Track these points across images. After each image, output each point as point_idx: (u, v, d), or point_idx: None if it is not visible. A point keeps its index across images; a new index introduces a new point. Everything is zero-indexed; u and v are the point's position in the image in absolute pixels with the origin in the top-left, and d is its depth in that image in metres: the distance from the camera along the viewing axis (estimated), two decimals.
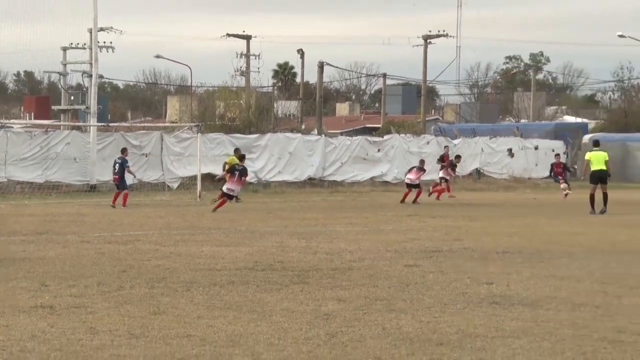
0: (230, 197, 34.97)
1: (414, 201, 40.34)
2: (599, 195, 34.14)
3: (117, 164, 38.85)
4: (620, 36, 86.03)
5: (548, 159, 64.11)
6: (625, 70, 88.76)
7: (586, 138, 67.26)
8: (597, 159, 34.76)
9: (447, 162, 46.06)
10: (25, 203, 39.95)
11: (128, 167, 39.31)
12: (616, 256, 21.12)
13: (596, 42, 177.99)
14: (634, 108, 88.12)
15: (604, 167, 34.58)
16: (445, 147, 52.57)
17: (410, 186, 41.20)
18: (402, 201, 40.38)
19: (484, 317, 13.55)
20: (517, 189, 55.74)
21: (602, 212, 33.56)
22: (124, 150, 40.50)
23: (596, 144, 36.56)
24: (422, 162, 43.59)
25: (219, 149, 52.12)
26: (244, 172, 35.29)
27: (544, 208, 38.87)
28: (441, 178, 45.07)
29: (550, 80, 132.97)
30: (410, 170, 42.25)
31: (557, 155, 51.93)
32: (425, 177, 43.53)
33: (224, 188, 34.80)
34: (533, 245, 23.32)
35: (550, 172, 48.49)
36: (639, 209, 34.49)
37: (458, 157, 48.41)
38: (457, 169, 47.89)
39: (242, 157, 38.52)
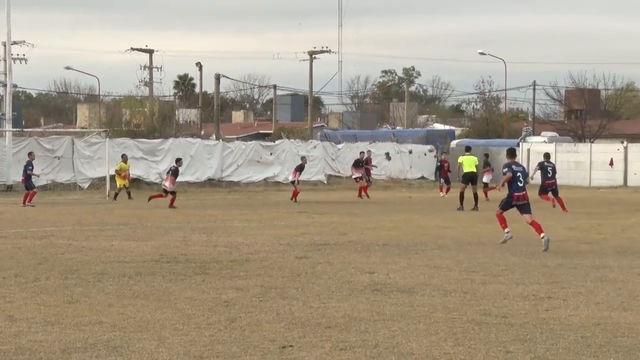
0: (166, 192, 37.73)
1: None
2: (469, 194, 34.69)
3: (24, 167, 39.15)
4: (481, 53, 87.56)
5: (421, 162, 64.92)
6: (486, 83, 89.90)
7: (454, 143, 68.13)
8: (468, 162, 35.48)
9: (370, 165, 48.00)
10: None
11: (30, 169, 38.94)
12: (481, 247, 21.40)
13: (460, 59, 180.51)
14: (493, 117, 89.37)
15: (474, 170, 35.23)
16: (362, 152, 51.55)
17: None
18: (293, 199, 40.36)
19: (366, 303, 13.62)
20: (395, 189, 56.12)
21: (474, 209, 34.02)
22: (30, 154, 40.17)
23: (468, 149, 37.13)
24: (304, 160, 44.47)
25: (126, 152, 51.68)
26: (175, 172, 38.42)
27: (418, 205, 39.21)
28: (356, 177, 46.82)
29: (421, 92, 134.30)
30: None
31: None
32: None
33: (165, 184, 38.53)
34: (409, 238, 23.50)
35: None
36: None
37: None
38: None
39: (178, 160, 40.87)
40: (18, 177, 43.83)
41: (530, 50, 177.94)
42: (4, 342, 10.85)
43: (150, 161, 52.69)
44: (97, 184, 49.04)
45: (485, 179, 45.76)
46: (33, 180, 38.96)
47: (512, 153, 23.77)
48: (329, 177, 59.19)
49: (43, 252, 20.23)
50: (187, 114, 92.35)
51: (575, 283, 15.74)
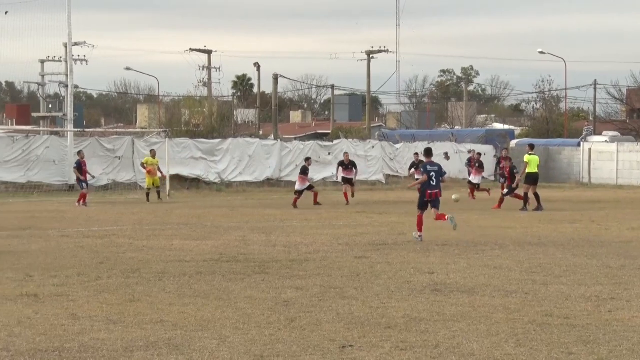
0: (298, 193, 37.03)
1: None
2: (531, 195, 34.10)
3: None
4: (541, 52, 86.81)
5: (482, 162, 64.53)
6: (545, 82, 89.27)
7: (513, 143, 67.66)
8: (535, 162, 34.62)
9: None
10: (9, 201, 39.65)
11: (75, 168, 39.15)
12: (542, 248, 21.23)
13: (520, 58, 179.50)
14: (554, 117, 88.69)
15: (537, 170, 34.57)
16: (415, 154, 48.94)
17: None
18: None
19: (426, 303, 13.59)
20: (453, 189, 55.81)
21: (537, 209, 33.48)
22: (79, 153, 40.21)
23: (532, 147, 35.99)
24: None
25: (185, 153, 52.09)
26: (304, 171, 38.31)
27: (477, 205, 39.01)
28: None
29: (480, 92, 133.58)
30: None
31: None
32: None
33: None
34: (468, 239, 23.41)
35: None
36: (560, 206, 34.67)
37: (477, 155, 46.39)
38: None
39: (307, 160, 40.66)
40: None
41: (591, 49, 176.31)
42: (68, 340, 10.97)
43: (210, 161, 52.97)
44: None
45: (474, 178, 44.62)
46: (89, 180, 39.14)
47: (428, 153, 25.20)
48: (387, 176, 59.13)
49: (105, 251, 20.44)
50: (246, 114, 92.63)
51: (639, 284, 15.59)
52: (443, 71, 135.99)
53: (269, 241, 22.59)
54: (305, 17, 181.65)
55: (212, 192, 48.56)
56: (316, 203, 37.78)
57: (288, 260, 18.71)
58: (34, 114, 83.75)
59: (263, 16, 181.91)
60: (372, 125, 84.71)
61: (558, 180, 61.55)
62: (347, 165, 40.59)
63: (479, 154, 48.22)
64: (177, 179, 48.73)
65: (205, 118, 72.57)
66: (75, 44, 57.82)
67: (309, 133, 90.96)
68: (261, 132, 79.16)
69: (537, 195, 34.13)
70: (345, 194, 39.22)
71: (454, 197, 29.81)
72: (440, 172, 24.05)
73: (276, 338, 11.10)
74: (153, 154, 42.31)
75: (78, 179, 38.78)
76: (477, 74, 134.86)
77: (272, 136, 69.19)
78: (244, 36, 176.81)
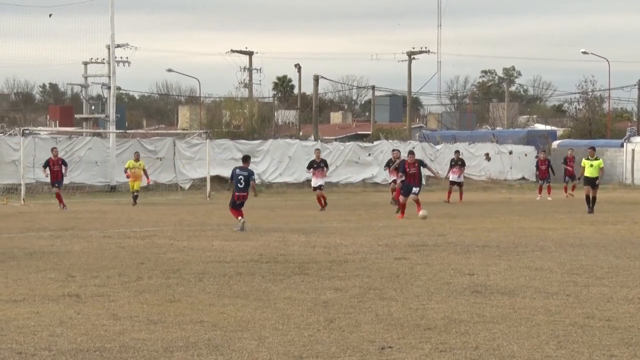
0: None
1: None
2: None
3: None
4: (584, 53, 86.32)
5: (521, 162, 64.38)
6: (589, 83, 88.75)
7: (555, 144, 67.39)
8: (591, 166, 33.97)
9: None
10: (52, 202, 39.92)
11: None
12: (583, 249, 21.11)
13: (562, 58, 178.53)
14: (596, 117, 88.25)
15: (596, 174, 33.90)
16: (394, 150, 47.15)
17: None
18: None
19: (466, 305, 13.56)
20: (494, 190, 55.80)
21: (590, 212, 33.09)
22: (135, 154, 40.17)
23: (593, 150, 35.03)
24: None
25: (226, 154, 52.36)
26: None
27: (519, 206, 38.91)
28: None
29: (522, 92, 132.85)
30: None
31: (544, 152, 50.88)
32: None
33: None
34: (509, 240, 23.32)
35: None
36: (602, 207, 34.47)
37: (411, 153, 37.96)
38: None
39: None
40: (121, 178, 44.60)
41: (636, 49, 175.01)
42: (109, 339, 11.04)
43: (250, 162, 53.08)
44: (198, 184, 49.71)
45: (454, 177, 44.35)
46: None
47: (245, 159, 27.90)
48: (427, 177, 58.98)
49: (145, 251, 20.55)
50: (286, 115, 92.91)
51: None
52: (484, 71, 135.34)
53: (308, 242, 22.62)
54: (346, 18, 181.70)
55: (251, 193, 48.61)
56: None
57: (327, 261, 18.73)
58: (77, 116, 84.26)
59: (303, 17, 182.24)
60: (412, 126, 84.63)
61: (600, 181, 61.13)
62: (319, 164, 37.97)
63: (458, 152, 47.88)
64: (218, 180, 48.91)
65: (246, 119, 72.82)
66: (118, 45, 58.10)
67: (349, 134, 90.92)
68: (301, 133, 79.27)
69: (588, 199, 33.60)
70: (319, 199, 36.87)
71: (420, 214, 29.72)
72: (248, 178, 26.76)
73: (315, 339, 11.12)
74: (137, 156, 41.40)
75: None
76: (519, 74, 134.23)
77: (313, 137, 69.30)
78: (285, 37, 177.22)
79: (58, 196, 35.86)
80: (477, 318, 12.49)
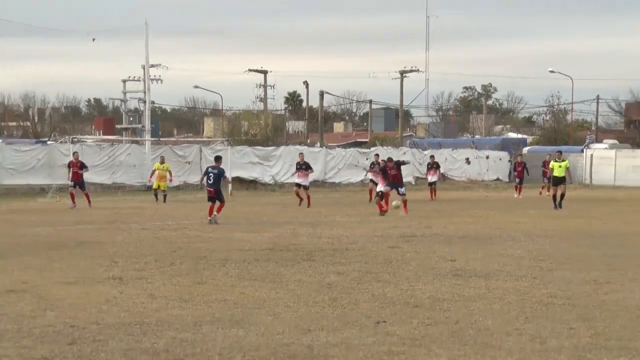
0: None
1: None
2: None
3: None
4: (551, 71, 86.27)
5: (497, 166, 64.32)
6: (554, 97, 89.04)
7: (525, 150, 67.33)
8: (559, 168, 33.50)
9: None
10: (98, 199, 39.98)
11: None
12: (548, 240, 21.14)
13: (532, 76, 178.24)
14: (561, 127, 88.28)
15: (564, 174, 33.37)
16: (375, 155, 45.31)
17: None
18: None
19: (448, 286, 13.63)
20: (473, 189, 55.74)
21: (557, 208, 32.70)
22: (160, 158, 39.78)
23: (559, 154, 34.82)
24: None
25: (244, 158, 52.40)
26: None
27: (494, 203, 38.90)
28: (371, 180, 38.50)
29: (497, 105, 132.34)
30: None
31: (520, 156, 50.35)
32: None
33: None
34: (485, 232, 23.36)
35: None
36: (565, 204, 34.37)
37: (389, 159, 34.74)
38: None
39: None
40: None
41: (595, 69, 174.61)
42: (147, 315, 11.15)
43: (265, 165, 53.22)
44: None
45: (431, 178, 43.76)
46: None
47: (217, 159, 27.57)
48: (417, 178, 59.02)
49: (177, 241, 20.60)
50: (296, 125, 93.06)
51: (632, 270, 15.52)
52: (465, 88, 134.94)
53: (315, 233, 22.65)
54: (348, 42, 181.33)
55: (267, 192, 48.79)
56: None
57: (331, 249, 18.77)
58: (118, 126, 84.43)
59: (311, 41, 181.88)
60: (404, 135, 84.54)
61: (569, 179, 61.09)
62: (302, 165, 37.11)
63: (432, 156, 47.51)
64: (238, 181, 48.96)
65: (261, 129, 72.97)
66: (152, 65, 58.22)
67: (349, 141, 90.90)
68: (309, 141, 79.28)
69: (555, 197, 33.42)
70: (308, 197, 35.65)
71: (394, 203, 29.75)
72: (218, 176, 26.63)
73: (320, 315, 11.21)
74: (162, 160, 41.25)
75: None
76: (495, 90, 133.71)
77: (318, 144, 69.30)
78: (295, 59, 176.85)
79: (72, 195, 35.18)
80: (458, 297, 12.58)
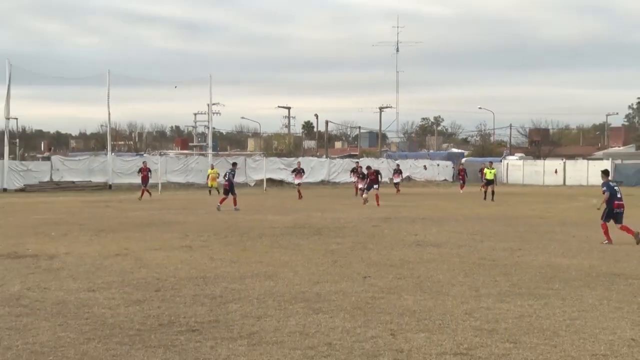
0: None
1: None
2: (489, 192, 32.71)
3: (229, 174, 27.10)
4: (480, 108, 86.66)
5: (444, 171, 64.12)
6: (482, 125, 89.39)
7: (463, 160, 67.17)
8: (490, 173, 33.00)
9: (358, 173, 36.30)
10: (177, 194, 40.07)
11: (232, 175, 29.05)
12: (479, 221, 21.04)
13: (467, 110, 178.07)
14: (487, 145, 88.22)
15: (492, 177, 32.89)
16: (356, 162, 44.82)
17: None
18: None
19: (413, 252, 13.53)
20: (429, 186, 55.59)
21: (492, 200, 31.71)
22: (234, 164, 37.65)
23: (490, 164, 34.61)
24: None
25: (275, 165, 52.40)
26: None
27: (442, 196, 38.75)
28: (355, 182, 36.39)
29: (445, 130, 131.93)
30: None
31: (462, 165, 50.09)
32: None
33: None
34: (437, 215, 23.25)
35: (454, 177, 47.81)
36: (489, 197, 34.22)
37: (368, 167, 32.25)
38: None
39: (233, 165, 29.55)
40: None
41: (509, 106, 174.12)
42: (208, 272, 11.06)
43: (288, 170, 53.08)
44: (259, 183, 49.63)
45: (396, 180, 42.85)
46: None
47: (234, 164, 26.84)
48: (390, 180, 58.86)
49: (229, 221, 20.55)
50: (309, 144, 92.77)
51: (535, 241, 15.40)
52: (423, 118, 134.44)
53: (322, 217, 22.60)
54: (344, 88, 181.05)
55: (289, 189, 48.66)
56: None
57: (333, 227, 18.72)
58: (190, 144, 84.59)
59: (320, 88, 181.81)
60: (382, 150, 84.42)
61: (497, 181, 61.13)
62: (299, 170, 36.77)
63: (398, 165, 47.40)
64: (270, 181, 48.90)
65: (286, 146, 72.98)
66: (214, 103, 58.27)
67: (345, 154, 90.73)
68: (318, 154, 79.16)
69: (485, 193, 32.96)
70: (299, 192, 34.99)
71: (363, 196, 29.60)
72: (233, 174, 25.38)
73: (326, 272, 11.11)
74: (212, 166, 40.86)
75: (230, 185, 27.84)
76: (443, 119, 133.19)
77: (324, 156, 69.24)
78: (310, 98, 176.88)
79: (142, 192, 34.10)
80: (419, 260, 12.46)
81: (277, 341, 6.80)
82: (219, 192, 37.66)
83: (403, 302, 8.73)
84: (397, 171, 44.29)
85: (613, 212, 15.10)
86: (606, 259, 12.70)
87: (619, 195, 15.13)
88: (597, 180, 56.33)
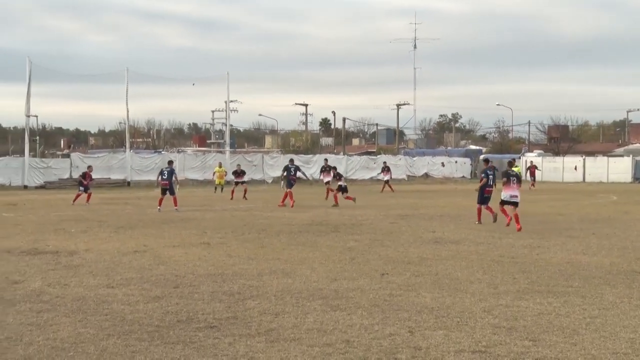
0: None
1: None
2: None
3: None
4: (498, 105, 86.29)
5: (462, 167, 63.81)
6: (500, 122, 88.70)
7: (481, 157, 66.81)
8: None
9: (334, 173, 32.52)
10: (194, 190, 40.24)
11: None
12: (498, 218, 20.89)
13: (486, 107, 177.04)
14: (505, 141, 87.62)
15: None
16: (325, 159, 43.13)
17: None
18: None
19: (431, 249, 13.48)
20: (447, 184, 55.35)
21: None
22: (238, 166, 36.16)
23: (510, 164, 33.50)
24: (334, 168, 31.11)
25: (289, 163, 52.26)
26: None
27: (461, 193, 38.58)
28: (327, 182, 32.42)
29: (463, 127, 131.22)
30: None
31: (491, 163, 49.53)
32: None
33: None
34: (454, 212, 23.16)
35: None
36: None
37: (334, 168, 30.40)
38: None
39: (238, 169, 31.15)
40: (231, 177, 44.61)
41: (528, 102, 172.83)
42: (226, 268, 11.09)
43: (306, 167, 53.09)
44: (276, 180, 49.71)
45: (384, 177, 41.01)
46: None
47: (169, 163, 25.34)
48: (408, 177, 58.73)
49: (246, 218, 20.61)
50: (326, 141, 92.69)
51: (554, 238, 15.30)
52: (441, 115, 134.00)
53: (339, 213, 22.59)
54: (361, 85, 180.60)
55: (307, 185, 48.62)
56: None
57: (351, 224, 18.70)
58: (208, 141, 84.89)
59: (336, 85, 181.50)
60: (399, 147, 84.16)
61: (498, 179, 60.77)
62: (326, 168, 33.79)
63: (385, 162, 46.92)
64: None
65: (303, 143, 73.01)
66: (231, 101, 58.46)
67: (362, 151, 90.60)
68: (335, 151, 79.15)
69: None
70: (329, 190, 30.67)
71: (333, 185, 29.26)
72: (171, 172, 23.89)
73: (343, 269, 11.11)
74: (220, 164, 40.45)
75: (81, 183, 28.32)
76: (461, 116, 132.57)
77: (342, 153, 69.17)
78: (327, 95, 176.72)
79: (78, 196, 30.41)
80: (437, 257, 12.42)
81: (295, 338, 6.81)
82: (220, 190, 37.48)
83: (421, 299, 8.70)
84: (384, 169, 42.77)
85: (484, 196, 18.83)
86: (627, 256, 12.59)
87: (490, 183, 18.99)
88: (618, 177, 56.35)
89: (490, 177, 19.02)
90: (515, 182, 18.01)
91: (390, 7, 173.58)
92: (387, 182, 41.13)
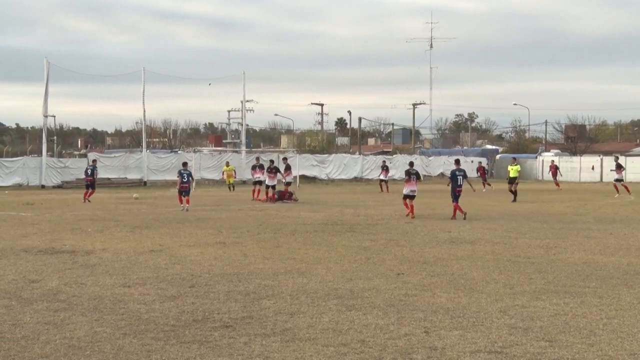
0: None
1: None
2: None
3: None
4: (515, 104, 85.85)
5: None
6: (516, 122, 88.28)
7: (498, 156, 66.52)
8: (513, 170, 31.48)
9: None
10: (210, 190, 40.35)
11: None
12: (514, 218, 20.81)
13: (502, 107, 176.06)
14: (521, 141, 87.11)
15: (516, 175, 31.23)
16: (270, 160, 42.00)
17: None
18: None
19: (447, 249, 13.44)
20: (463, 183, 55.01)
21: (514, 201, 30.03)
22: (253, 161, 38.63)
23: (514, 160, 33.73)
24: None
25: (308, 162, 52.43)
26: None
27: (477, 193, 38.34)
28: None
29: (479, 126, 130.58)
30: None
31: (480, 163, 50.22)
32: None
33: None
34: (470, 212, 23.00)
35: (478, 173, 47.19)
36: (524, 194, 33.81)
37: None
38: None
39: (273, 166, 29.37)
40: (247, 176, 44.75)
41: (544, 101, 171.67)
42: (241, 268, 11.12)
43: (321, 167, 53.19)
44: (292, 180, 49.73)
45: (382, 177, 40.26)
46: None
47: (184, 164, 25.34)
48: (424, 176, 58.48)
49: (261, 218, 20.63)
50: (342, 140, 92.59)
51: (571, 238, 15.18)
52: (457, 114, 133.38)
53: (355, 213, 22.57)
54: (378, 84, 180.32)
55: (322, 185, 48.64)
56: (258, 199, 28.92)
57: (366, 224, 18.67)
58: (224, 141, 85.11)
59: (352, 84, 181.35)
60: (415, 146, 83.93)
61: (523, 178, 60.19)
62: (410, 172, 33.66)
63: (384, 161, 46.33)
64: (303, 177, 48.93)
65: (319, 142, 72.95)
66: (247, 101, 58.51)
67: (378, 151, 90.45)
68: (351, 151, 78.97)
69: (513, 192, 31.13)
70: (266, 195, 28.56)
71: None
72: (189, 175, 24.27)
73: (359, 269, 11.09)
74: (227, 163, 40.80)
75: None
76: (477, 116, 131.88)
77: (357, 153, 69.10)
78: (342, 95, 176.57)
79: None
80: (453, 257, 12.37)
81: (310, 338, 6.81)
82: (232, 189, 37.86)
83: (437, 299, 8.67)
84: (384, 168, 42.04)
85: (455, 194, 20.44)
86: None
87: (459, 183, 20.60)
88: (636, 177, 55.76)
89: (459, 177, 20.89)
90: (414, 179, 21.56)
91: (407, 6, 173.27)
92: (384, 181, 40.60)
